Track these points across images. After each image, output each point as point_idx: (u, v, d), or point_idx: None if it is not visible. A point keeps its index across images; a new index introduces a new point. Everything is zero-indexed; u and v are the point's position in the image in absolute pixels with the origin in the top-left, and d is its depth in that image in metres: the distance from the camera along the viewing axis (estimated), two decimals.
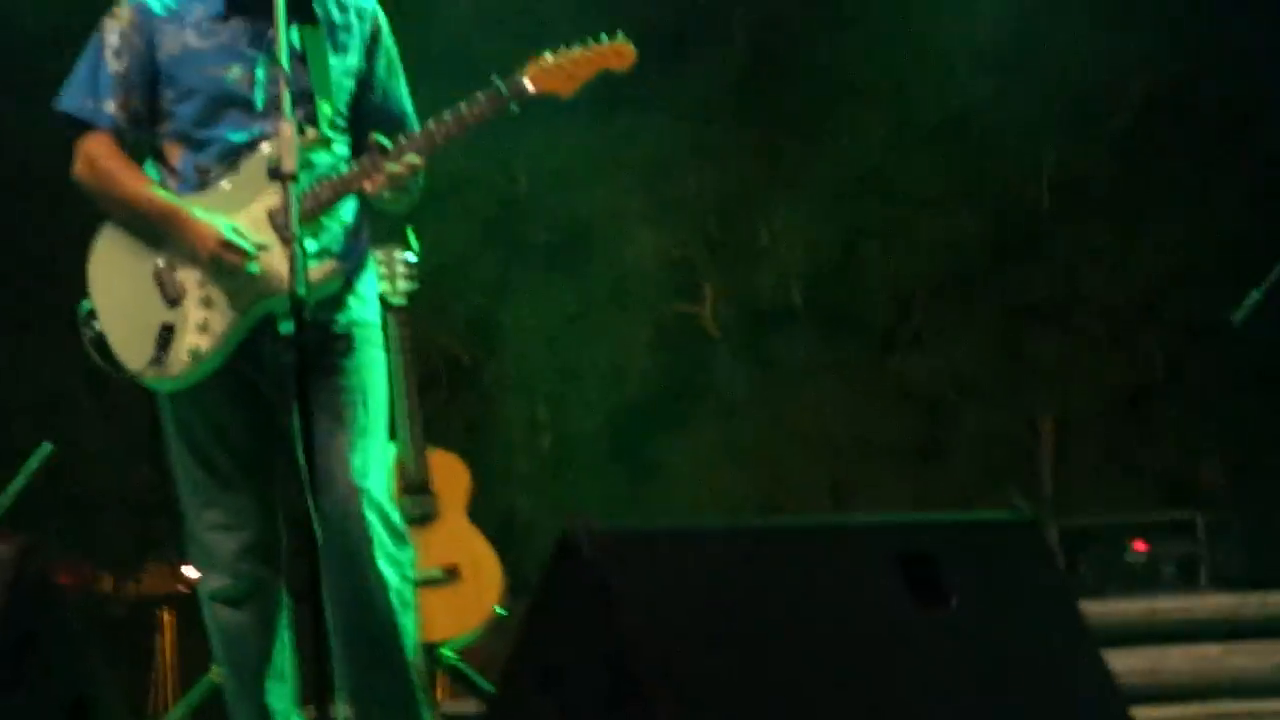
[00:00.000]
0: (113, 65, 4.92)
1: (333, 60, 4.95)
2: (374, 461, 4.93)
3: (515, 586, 6.72)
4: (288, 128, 4.38)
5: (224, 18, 4.92)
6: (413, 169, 4.80)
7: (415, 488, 6.89)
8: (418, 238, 6.81)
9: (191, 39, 4.91)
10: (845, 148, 8.49)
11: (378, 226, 5.14)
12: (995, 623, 4.03)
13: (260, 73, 4.87)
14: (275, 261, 4.70)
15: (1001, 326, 8.61)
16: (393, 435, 6.68)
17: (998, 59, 8.35)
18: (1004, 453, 8.52)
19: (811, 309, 8.48)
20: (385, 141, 4.81)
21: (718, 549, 3.93)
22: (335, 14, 5.01)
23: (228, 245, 4.74)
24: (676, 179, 8.63)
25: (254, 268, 4.75)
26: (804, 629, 3.83)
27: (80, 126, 4.94)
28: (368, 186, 4.82)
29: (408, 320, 6.92)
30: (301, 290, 4.27)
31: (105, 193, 4.90)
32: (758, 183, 8.50)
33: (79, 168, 4.94)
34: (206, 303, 4.79)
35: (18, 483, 6.56)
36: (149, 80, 4.92)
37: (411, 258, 6.91)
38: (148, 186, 4.87)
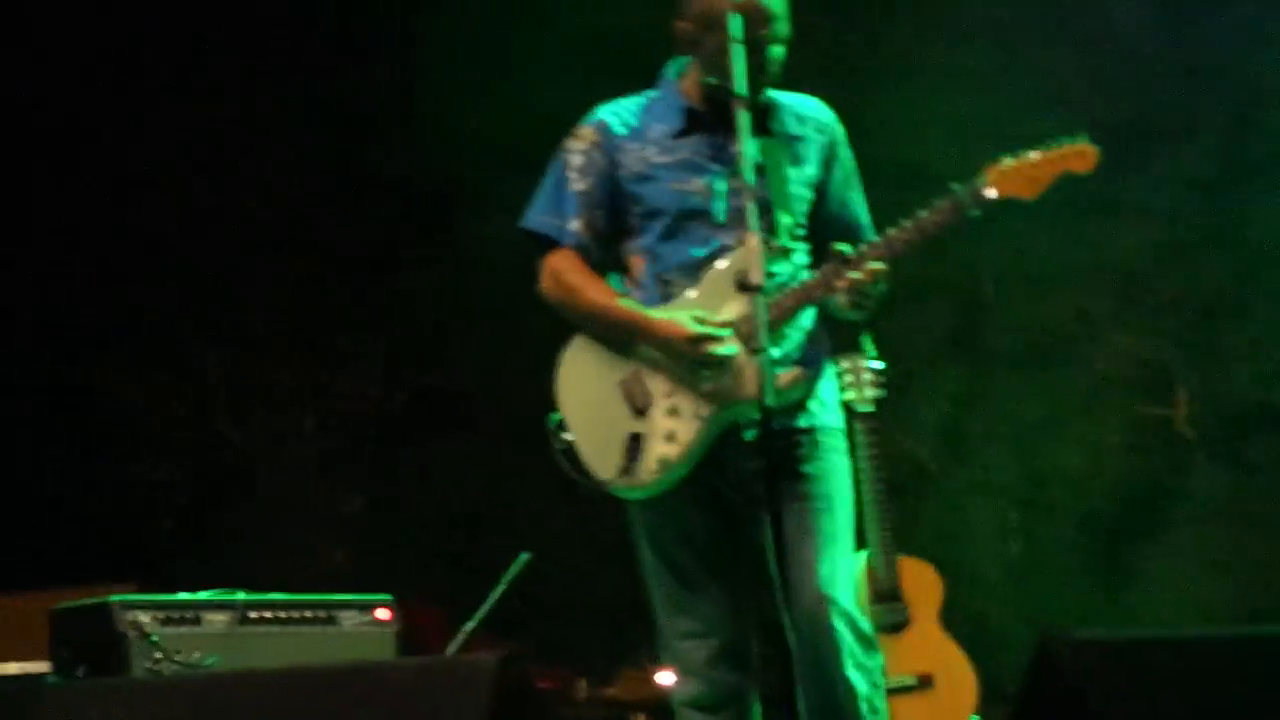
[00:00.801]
0: (576, 184, 5.04)
1: (791, 171, 4.99)
2: (842, 569, 4.91)
3: (988, 695, 6.61)
4: (754, 239, 4.44)
5: (684, 133, 5.02)
6: (874, 276, 4.79)
7: (886, 595, 6.86)
8: (879, 345, 6.81)
9: (653, 155, 5.01)
10: None
11: (843, 334, 5.14)
12: None
13: (721, 186, 4.94)
14: (742, 369, 4.74)
15: None
16: (862, 542, 6.67)
17: None
18: None
19: None
20: (847, 249, 4.82)
21: (1199, 658, 3.81)
22: (793, 126, 5.06)
23: (695, 334, 4.80)
24: (1147, 281, 8.44)
25: (727, 350, 4.79)
26: None
27: (545, 244, 5.08)
28: (829, 294, 4.84)
29: (875, 427, 6.92)
30: (770, 400, 4.30)
31: (571, 305, 5.01)
32: (1233, 283, 8.27)
33: (545, 283, 5.07)
34: (673, 412, 4.86)
35: (498, 590, 6.74)
36: (611, 197, 5.03)
37: (878, 365, 6.92)
38: (612, 297, 4.97)
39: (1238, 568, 8.12)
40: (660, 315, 4.87)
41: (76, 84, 8.95)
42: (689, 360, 4.83)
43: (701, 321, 4.81)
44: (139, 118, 8.97)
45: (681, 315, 4.84)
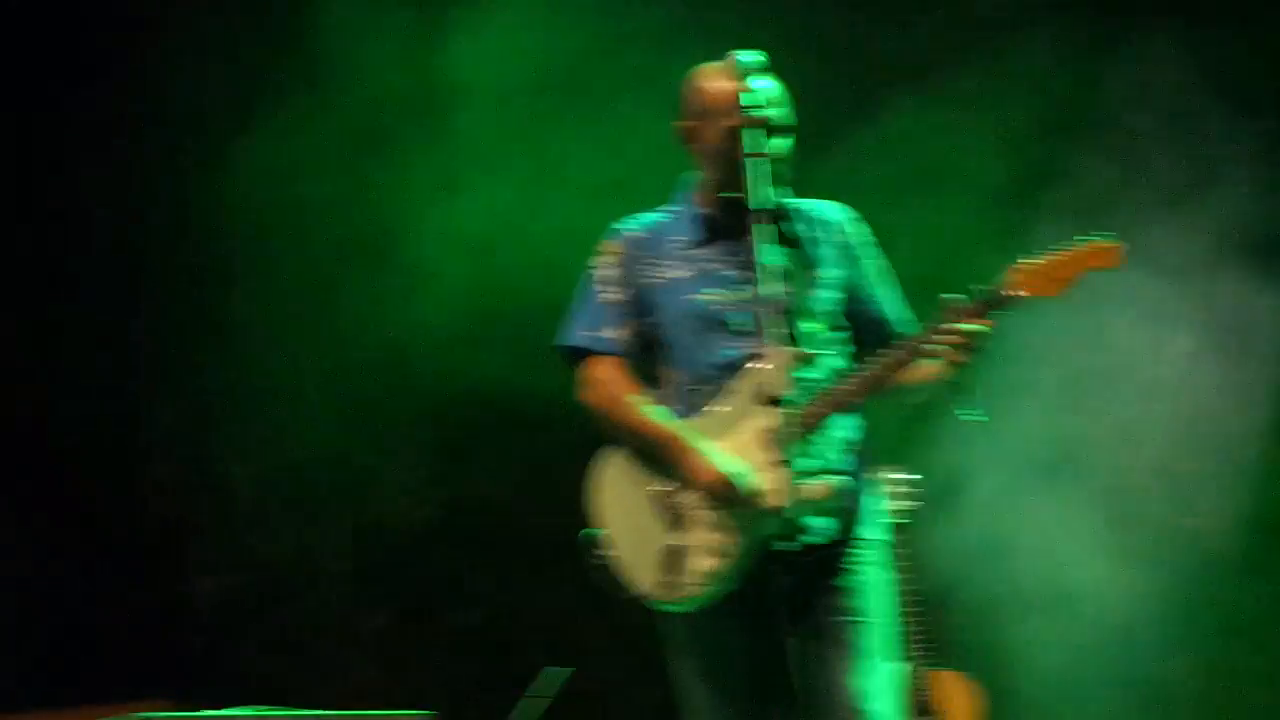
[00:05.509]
0: (605, 296, 5.09)
1: (813, 276, 5.00)
2: (878, 683, 4.89)
3: None
4: (776, 352, 4.44)
5: (704, 243, 5.05)
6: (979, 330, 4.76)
7: (922, 709, 6.83)
8: (916, 455, 6.81)
9: (671, 268, 5.04)
10: None
11: (878, 444, 5.12)
12: None
13: (741, 294, 4.96)
14: (774, 482, 4.73)
15: None
16: (898, 656, 6.63)
17: None
18: None
19: None
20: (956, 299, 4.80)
21: None
22: (812, 230, 5.08)
23: (726, 485, 4.80)
24: (1180, 389, 8.41)
25: (749, 508, 4.78)
26: None
27: (584, 356, 5.10)
28: (904, 365, 4.83)
29: (908, 539, 6.90)
30: (794, 513, 4.28)
31: (612, 417, 5.03)
32: (1264, 399, 8.23)
33: (587, 391, 5.09)
34: (712, 525, 4.84)
35: (529, 703, 6.71)
36: (640, 308, 5.06)
37: (911, 475, 6.91)
38: (649, 412, 4.97)
39: (1270, 682, 8.06)
40: (698, 446, 4.86)
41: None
42: (712, 497, 4.83)
43: (738, 476, 4.80)
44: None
45: (722, 460, 4.83)
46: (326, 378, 9.06)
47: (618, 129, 8.22)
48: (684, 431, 4.90)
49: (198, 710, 6.42)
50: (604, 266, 5.14)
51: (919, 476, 6.96)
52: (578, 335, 5.13)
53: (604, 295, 5.11)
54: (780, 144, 4.93)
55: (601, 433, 5.06)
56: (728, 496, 4.80)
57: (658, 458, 4.94)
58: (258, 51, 8.94)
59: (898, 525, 6.87)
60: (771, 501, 4.70)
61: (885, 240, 5.24)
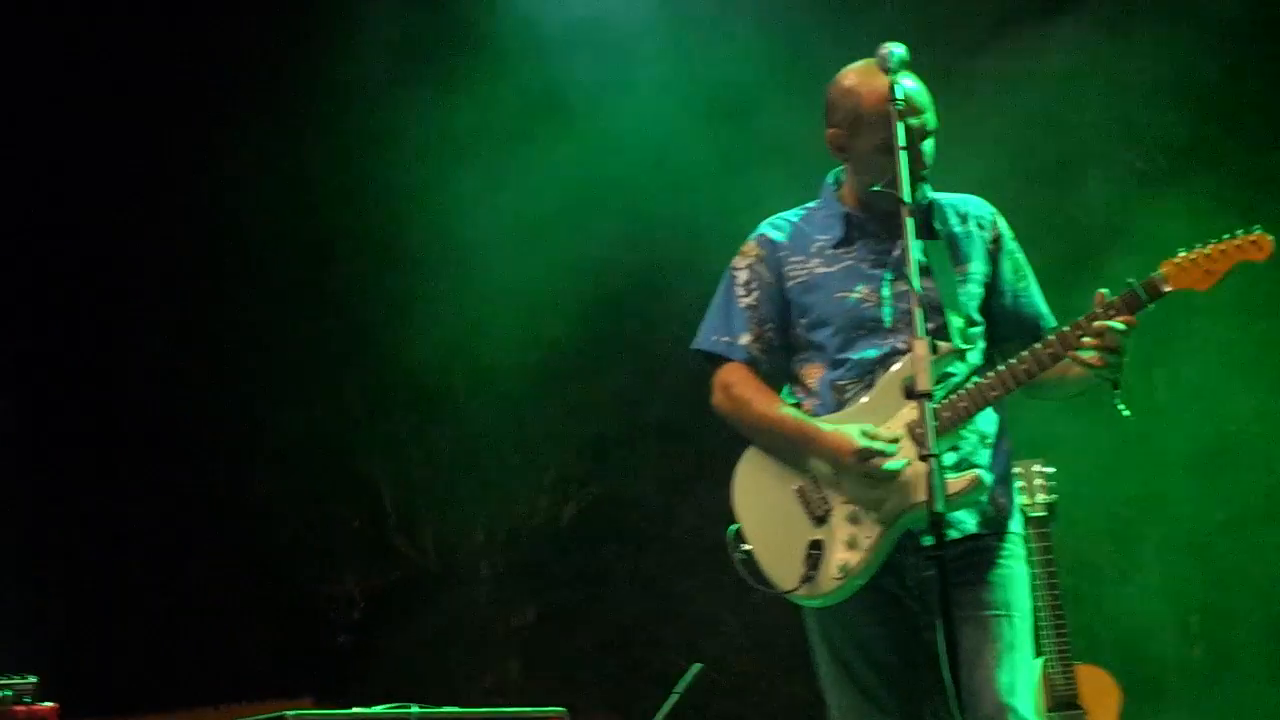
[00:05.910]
0: (743, 300, 5.07)
1: (957, 270, 4.98)
2: (1021, 677, 4.85)
3: None
4: (921, 346, 4.42)
5: (846, 241, 5.03)
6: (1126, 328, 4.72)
7: (1063, 703, 6.77)
8: (1052, 450, 6.74)
9: (817, 265, 5.02)
10: None
11: (1015, 438, 5.09)
12: None
13: (886, 291, 4.94)
14: (916, 475, 4.71)
15: None
16: (1038, 650, 6.58)
17: None
18: None
19: None
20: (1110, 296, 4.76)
21: None
22: (955, 225, 5.05)
23: (863, 449, 4.78)
24: None
25: (896, 465, 4.76)
26: None
27: (717, 361, 5.10)
28: (1044, 368, 4.80)
29: (1047, 532, 6.84)
30: (940, 506, 4.26)
31: (741, 418, 5.02)
32: None
33: (716, 397, 5.08)
34: (853, 518, 4.83)
35: (671, 700, 6.72)
36: (780, 309, 5.05)
37: (1050, 469, 6.86)
38: (780, 409, 4.96)
39: None
40: (829, 428, 4.85)
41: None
42: (856, 474, 4.81)
43: (870, 436, 4.79)
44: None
45: (850, 429, 4.81)
46: (470, 378, 9.14)
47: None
48: (817, 422, 4.90)
49: (345, 708, 6.49)
50: (742, 269, 5.13)
51: (1055, 470, 6.90)
52: (711, 341, 5.12)
53: (741, 299, 5.10)
54: (928, 146, 4.92)
55: (737, 434, 5.06)
56: (870, 463, 4.78)
57: (792, 453, 4.93)
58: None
59: (1039, 518, 6.82)
60: (917, 492, 4.68)
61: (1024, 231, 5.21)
